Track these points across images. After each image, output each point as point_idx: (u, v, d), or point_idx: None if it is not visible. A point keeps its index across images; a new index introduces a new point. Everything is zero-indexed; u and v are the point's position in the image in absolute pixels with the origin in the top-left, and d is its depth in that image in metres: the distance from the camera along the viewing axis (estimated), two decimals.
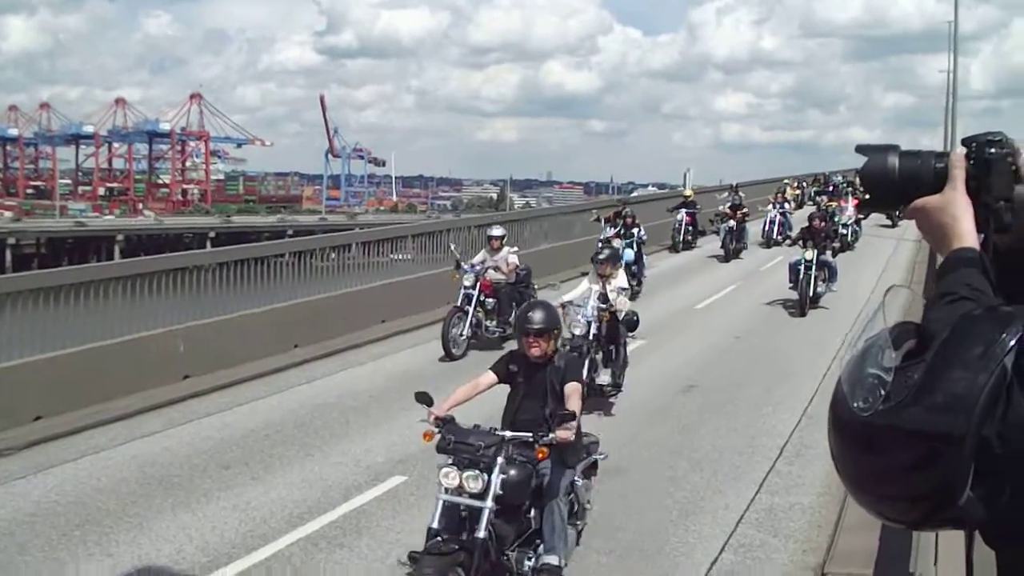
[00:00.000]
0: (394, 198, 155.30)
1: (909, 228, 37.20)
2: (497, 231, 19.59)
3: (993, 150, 2.12)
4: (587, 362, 12.82)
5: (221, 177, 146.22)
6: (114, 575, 8.51)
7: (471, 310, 17.47)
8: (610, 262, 14.94)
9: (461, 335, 17.27)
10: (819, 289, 22.85)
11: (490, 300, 18.11)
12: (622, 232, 25.34)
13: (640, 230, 25.92)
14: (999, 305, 1.94)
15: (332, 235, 26.22)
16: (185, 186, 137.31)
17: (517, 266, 18.85)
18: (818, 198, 45.39)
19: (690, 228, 34.19)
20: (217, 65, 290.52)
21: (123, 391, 13.65)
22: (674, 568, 8.72)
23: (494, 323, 18.01)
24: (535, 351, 8.06)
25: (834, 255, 23.88)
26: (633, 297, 21.53)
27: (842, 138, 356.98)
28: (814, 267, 22.41)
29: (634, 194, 44.81)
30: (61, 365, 13.19)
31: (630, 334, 14.85)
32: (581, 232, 30.23)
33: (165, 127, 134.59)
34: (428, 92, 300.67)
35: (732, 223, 32.69)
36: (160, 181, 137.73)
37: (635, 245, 24.73)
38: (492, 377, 8.31)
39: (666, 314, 21.35)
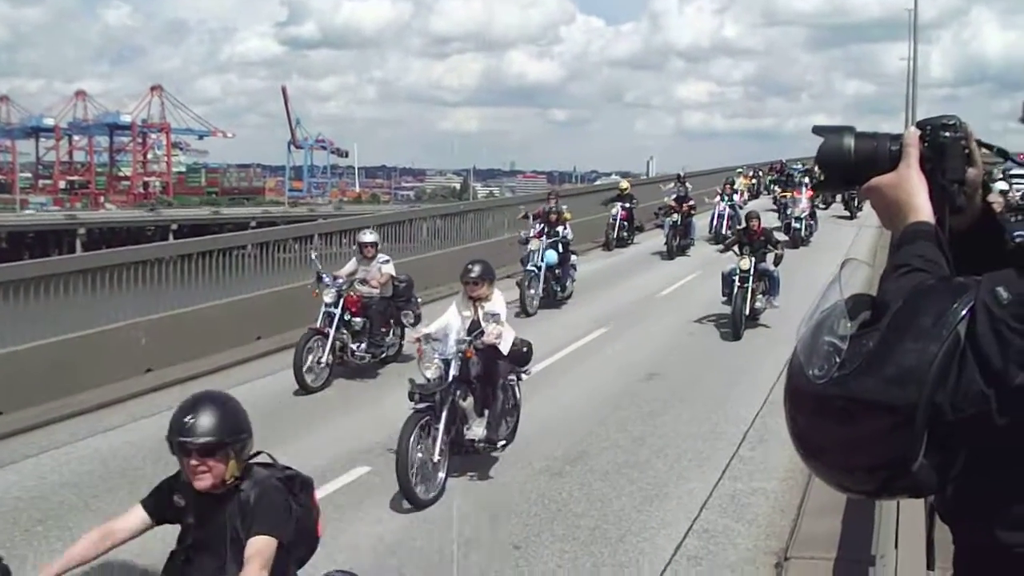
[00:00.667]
0: (357, 189, 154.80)
1: (870, 216, 37.35)
2: (369, 236, 16.32)
3: (947, 133, 2.18)
4: (444, 414, 10.11)
5: (183, 169, 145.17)
6: (77, 571, 8.46)
7: (332, 332, 14.78)
8: (483, 280, 11.68)
9: (320, 362, 14.55)
10: (757, 305, 19.04)
11: (358, 319, 15.36)
12: (545, 230, 22.15)
13: (566, 228, 22.63)
14: (952, 276, 1.98)
15: (295, 226, 26.04)
16: (147, 178, 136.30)
17: (393, 277, 15.87)
18: (774, 187, 45.28)
19: (626, 224, 31.68)
20: (178, 56, 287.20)
21: (85, 385, 13.58)
22: (638, 554, 8.75)
23: (363, 345, 15.29)
24: (201, 482, 5.06)
25: (777, 263, 19.94)
26: (559, 304, 21.48)
27: (803, 125, 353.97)
28: (751, 279, 18.66)
29: (597, 183, 43.50)
30: (22, 359, 13.11)
31: (522, 370, 11.70)
32: (512, 229, 27.02)
33: (126, 119, 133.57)
34: (390, 82, 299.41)
35: (676, 217, 30.33)
36: (121, 174, 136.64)
37: (560, 246, 21.76)
38: (140, 517, 5.64)
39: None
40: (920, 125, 2.24)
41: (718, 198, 35.17)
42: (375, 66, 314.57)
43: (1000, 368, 1.84)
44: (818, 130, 2.28)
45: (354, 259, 16.18)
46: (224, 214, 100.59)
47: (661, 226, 32.39)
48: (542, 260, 20.99)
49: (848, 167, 2.26)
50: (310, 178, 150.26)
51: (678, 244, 30.27)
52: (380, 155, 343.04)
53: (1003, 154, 2.28)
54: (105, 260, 16.16)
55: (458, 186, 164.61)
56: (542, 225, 22.33)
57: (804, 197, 33.52)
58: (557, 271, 21.36)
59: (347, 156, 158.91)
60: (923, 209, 2.13)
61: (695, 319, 19.83)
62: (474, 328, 10.97)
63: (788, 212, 33.35)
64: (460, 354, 10.49)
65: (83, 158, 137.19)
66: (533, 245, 21.31)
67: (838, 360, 1.94)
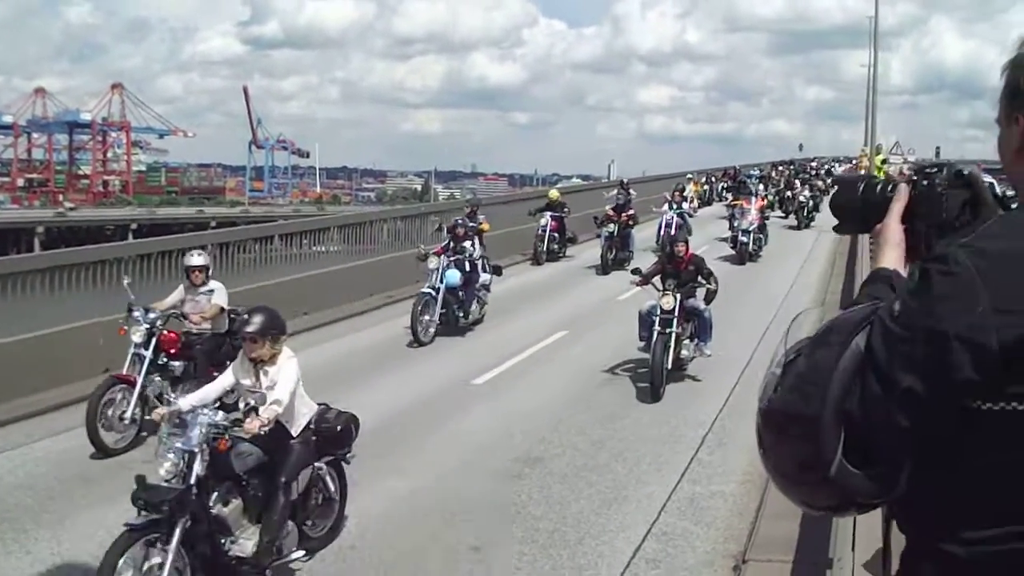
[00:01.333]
0: (318, 189, 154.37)
1: (828, 222, 37.70)
2: (198, 259, 13.01)
3: (924, 182, 2.37)
4: (178, 531, 7.07)
5: (143, 168, 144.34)
6: (34, 572, 8.41)
7: (141, 379, 11.81)
8: (262, 337, 8.33)
9: (123, 418, 11.62)
10: (683, 353, 14.97)
11: (176, 363, 12.36)
12: (450, 245, 19.08)
13: (474, 244, 20.05)
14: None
15: (254, 227, 25.89)
16: (106, 177, 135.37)
17: (225, 309, 12.68)
18: (726, 195, 43.62)
19: (556, 235, 29.22)
20: (139, 55, 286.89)
21: (41, 386, 13.45)
22: (597, 557, 8.76)
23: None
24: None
25: (709, 299, 15.59)
26: (463, 331, 18.78)
27: (764, 131, 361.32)
28: (675, 321, 14.51)
29: (558, 185, 43.03)
30: None
31: (341, 453, 8.88)
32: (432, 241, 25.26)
33: (86, 117, 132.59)
34: (353, 83, 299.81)
35: (613, 228, 27.82)
36: (81, 172, 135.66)
37: (467, 264, 19.02)
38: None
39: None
40: (915, 171, 2.46)
41: (666, 206, 32.83)
42: (337, 67, 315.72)
43: (888, 372, 2.00)
44: (836, 180, 2.62)
45: (181, 287, 13.07)
46: (207, 213, 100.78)
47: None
48: (441, 281, 18.26)
49: (856, 213, 2.52)
50: (271, 178, 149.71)
51: (614, 257, 27.68)
52: (341, 156, 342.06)
53: (1002, 204, 2.37)
54: (64, 259, 16.00)
55: (419, 188, 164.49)
56: (448, 239, 19.47)
57: (753, 207, 31.42)
58: (460, 293, 18.65)
59: (308, 157, 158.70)
60: (889, 257, 2.35)
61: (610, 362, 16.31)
62: (246, 408, 8.33)
63: (736, 224, 30.78)
64: (209, 444, 7.59)
65: (42, 156, 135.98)
66: (432, 263, 18.54)
67: (775, 384, 2.16)
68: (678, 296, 14.75)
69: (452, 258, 18.71)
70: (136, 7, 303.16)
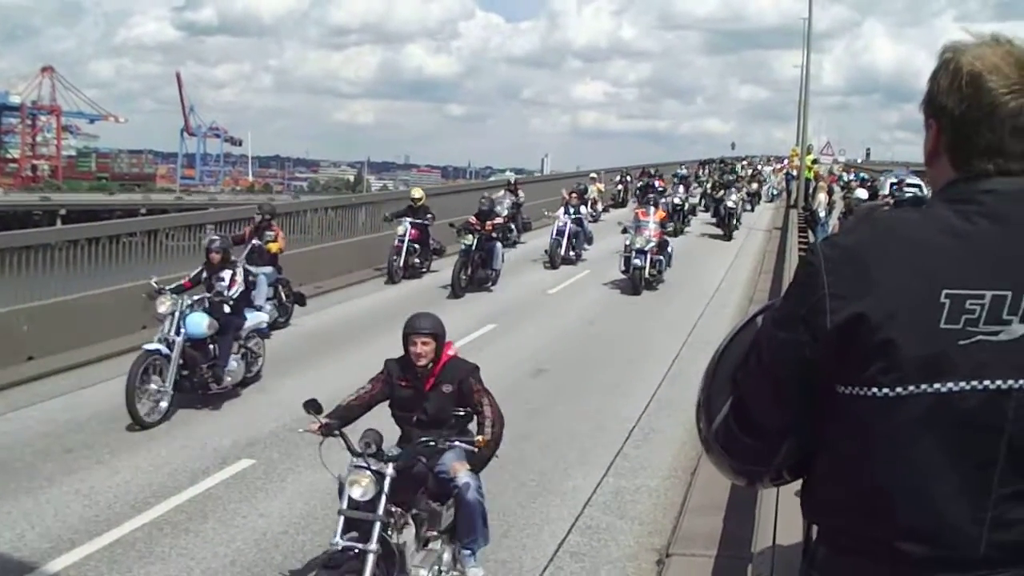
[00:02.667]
0: (250, 178, 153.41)
1: (751, 237, 37.37)
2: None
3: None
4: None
5: (73, 153, 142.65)
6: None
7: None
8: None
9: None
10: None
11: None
12: (203, 276, 13.61)
13: (236, 270, 13.70)
14: None
15: (186, 214, 25.60)
16: (35, 162, 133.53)
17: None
18: (649, 196, 34.44)
19: (416, 247, 23.85)
20: (72, 38, 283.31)
21: None
22: (521, 550, 8.78)
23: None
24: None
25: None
26: (214, 402, 13.04)
27: (698, 128, 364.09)
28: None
29: (491, 179, 42.16)
30: None
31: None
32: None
33: (15, 100, 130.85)
34: (287, 72, 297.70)
35: (471, 240, 22.44)
36: (9, 156, 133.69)
37: (226, 303, 13.16)
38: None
39: None
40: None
41: (561, 211, 28.92)
42: (272, 55, 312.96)
43: (759, 347, 2.45)
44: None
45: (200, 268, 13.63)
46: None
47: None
48: (178, 332, 12.51)
49: None
50: (203, 166, 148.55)
51: (471, 277, 22.65)
52: (274, 145, 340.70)
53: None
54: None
55: (352, 178, 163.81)
56: (201, 268, 13.78)
57: (652, 220, 24.68)
58: (211, 346, 12.85)
59: (240, 145, 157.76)
60: None
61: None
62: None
63: (629, 242, 24.00)
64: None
65: None
66: (164, 305, 12.63)
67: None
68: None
69: (196, 298, 13.08)
70: None
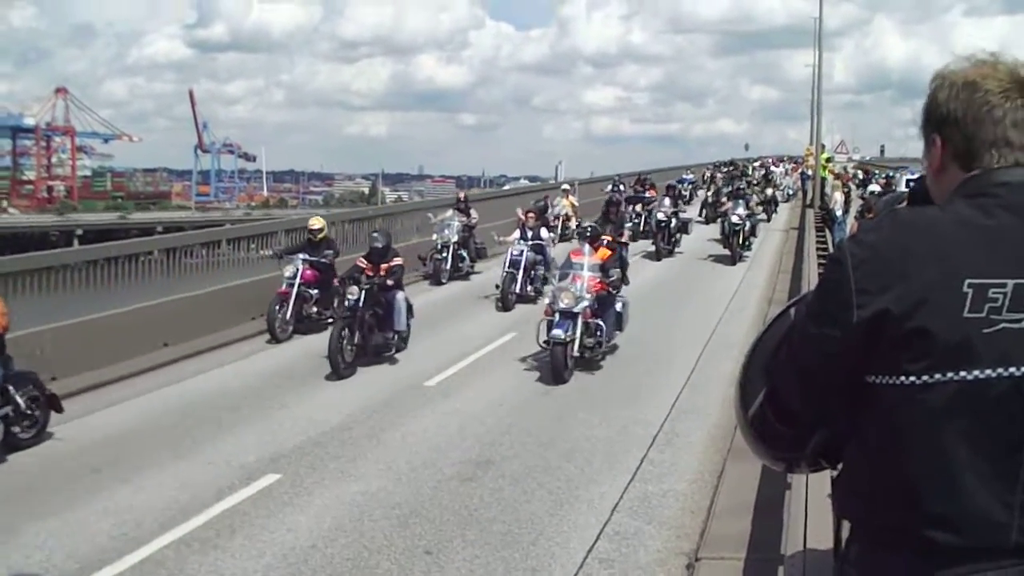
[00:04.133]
0: (265, 193, 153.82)
1: (760, 259, 37.07)
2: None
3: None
4: None
5: (88, 173, 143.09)
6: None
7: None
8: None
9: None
10: None
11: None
12: None
13: None
14: None
15: (201, 231, 25.66)
16: (51, 183, 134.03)
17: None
18: (611, 213, 23.86)
19: (312, 292, 18.44)
20: (84, 59, 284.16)
21: None
22: (550, 558, 8.75)
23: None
24: None
25: None
26: None
27: (711, 131, 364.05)
28: None
29: (506, 187, 39.43)
30: None
31: None
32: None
33: (30, 122, 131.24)
34: (299, 86, 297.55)
35: (357, 294, 15.83)
36: (25, 177, 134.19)
37: None
38: None
39: None
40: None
41: (516, 234, 23.03)
42: (283, 70, 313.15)
43: (792, 339, 2.57)
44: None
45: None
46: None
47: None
48: None
49: None
50: (217, 183, 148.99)
51: (361, 347, 15.83)
52: (288, 159, 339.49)
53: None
54: (7, 267, 15.82)
55: (367, 190, 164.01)
56: None
57: (587, 264, 16.13)
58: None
59: (255, 160, 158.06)
60: None
61: None
62: None
63: (551, 301, 15.83)
64: None
65: None
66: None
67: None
68: None
69: None
70: (82, 11, 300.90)
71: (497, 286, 22.00)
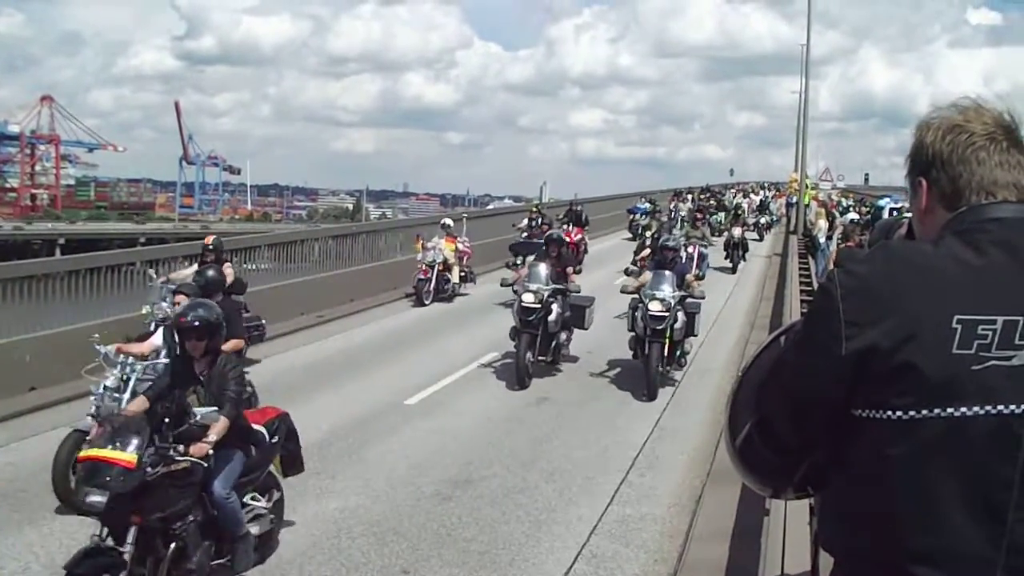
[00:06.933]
0: (248, 207, 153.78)
1: (748, 274, 37.34)
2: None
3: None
4: None
5: (72, 182, 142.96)
6: None
7: None
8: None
9: None
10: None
11: None
12: None
13: None
14: None
15: (185, 244, 25.60)
16: (34, 191, 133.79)
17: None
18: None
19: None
20: (71, 68, 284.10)
21: None
22: None
23: None
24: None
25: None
26: None
27: (696, 155, 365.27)
28: None
29: (490, 207, 34.58)
30: None
31: None
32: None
33: (14, 129, 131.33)
34: (286, 100, 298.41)
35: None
36: (8, 185, 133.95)
37: None
38: None
39: None
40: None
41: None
42: (271, 84, 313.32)
43: (779, 369, 2.57)
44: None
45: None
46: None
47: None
48: None
49: None
50: (201, 195, 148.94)
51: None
52: (273, 173, 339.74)
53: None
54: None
55: (351, 207, 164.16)
56: None
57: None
58: None
59: (239, 173, 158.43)
60: None
61: None
62: None
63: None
64: None
65: None
66: None
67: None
68: None
69: None
70: (70, 19, 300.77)
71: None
